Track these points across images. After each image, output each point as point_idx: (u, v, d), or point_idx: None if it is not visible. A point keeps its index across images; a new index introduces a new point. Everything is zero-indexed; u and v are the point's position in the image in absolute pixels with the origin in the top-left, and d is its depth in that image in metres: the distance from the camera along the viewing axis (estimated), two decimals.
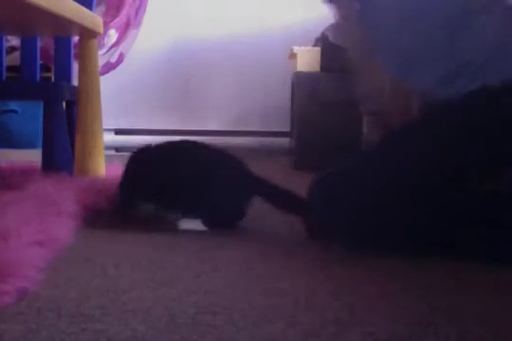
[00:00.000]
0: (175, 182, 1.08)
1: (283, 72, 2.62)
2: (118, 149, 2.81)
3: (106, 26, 2.17)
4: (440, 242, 0.88)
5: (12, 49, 2.07)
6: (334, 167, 1.04)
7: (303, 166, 2.16)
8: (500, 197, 0.91)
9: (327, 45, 2.19)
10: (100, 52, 2.20)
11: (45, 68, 2.04)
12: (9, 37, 2.02)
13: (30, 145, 2.20)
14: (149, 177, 1.11)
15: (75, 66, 1.60)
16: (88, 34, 1.53)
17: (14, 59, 1.90)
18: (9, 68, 1.73)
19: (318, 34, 2.30)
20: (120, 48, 2.42)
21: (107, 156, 1.64)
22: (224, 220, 1.08)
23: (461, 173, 0.91)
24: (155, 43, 2.80)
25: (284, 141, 2.69)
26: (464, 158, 0.90)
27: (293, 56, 2.26)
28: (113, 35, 2.31)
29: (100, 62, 2.16)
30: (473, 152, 0.89)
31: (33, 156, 1.68)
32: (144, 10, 2.46)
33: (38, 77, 1.64)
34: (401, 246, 0.89)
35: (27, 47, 1.63)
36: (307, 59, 2.20)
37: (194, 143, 1.16)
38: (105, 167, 1.61)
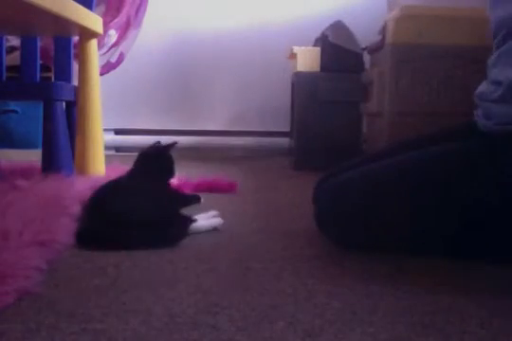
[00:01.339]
0: None
1: (282, 72, 2.62)
2: (117, 149, 2.82)
3: (106, 26, 2.17)
4: (441, 244, 0.88)
5: (12, 49, 2.07)
6: (338, 167, 1.04)
7: (303, 166, 2.16)
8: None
9: (327, 45, 2.19)
10: (100, 52, 2.20)
11: (45, 68, 2.04)
12: (9, 37, 2.02)
13: (30, 145, 2.21)
14: None
15: (75, 66, 1.61)
16: (88, 34, 1.53)
17: (14, 59, 1.90)
18: (9, 68, 1.73)
19: (318, 34, 2.30)
20: (120, 48, 2.42)
21: (107, 156, 1.64)
22: None
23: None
24: (155, 43, 2.81)
25: (284, 141, 2.69)
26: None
27: (293, 56, 2.27)
28: (113, 35, 2.31)
29: (100, 62, 2.17)
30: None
31: (33, 156, 1.68)
32: (144, 10, 2.46)
33: (38, 77, 1.64)
34: (403, 247, 0.89)
35: (27, 47, 1.63)
36: (307, 59, 2.21)
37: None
38: (105, 167, 1.61)
